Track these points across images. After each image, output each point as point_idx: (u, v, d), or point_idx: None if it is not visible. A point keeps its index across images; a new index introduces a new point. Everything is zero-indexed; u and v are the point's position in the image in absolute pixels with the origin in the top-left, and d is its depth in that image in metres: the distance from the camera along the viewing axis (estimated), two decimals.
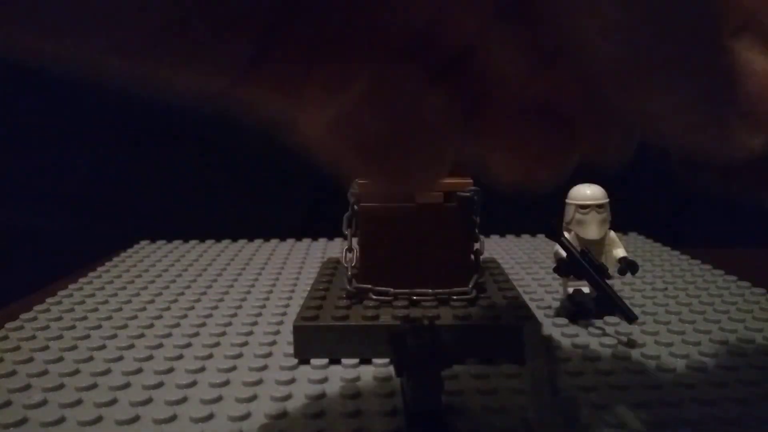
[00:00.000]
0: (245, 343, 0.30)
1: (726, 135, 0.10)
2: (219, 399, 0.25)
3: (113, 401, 0.24)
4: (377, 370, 0.27)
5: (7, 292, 0.39)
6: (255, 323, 0.33)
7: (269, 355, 0.29)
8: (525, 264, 0.47)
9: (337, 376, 0.27)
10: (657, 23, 0.09)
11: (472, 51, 0.11)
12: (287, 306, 0.36)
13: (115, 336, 0.32)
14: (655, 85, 0.09)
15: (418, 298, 0.31)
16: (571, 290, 0.33)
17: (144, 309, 0.36)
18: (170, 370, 0.27)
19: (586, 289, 0.33)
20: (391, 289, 0.31)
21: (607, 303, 0.31)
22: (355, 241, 0.32)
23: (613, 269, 0.32)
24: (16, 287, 0.40)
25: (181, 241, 0.55)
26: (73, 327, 0.33)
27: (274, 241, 0.56)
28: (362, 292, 0.31)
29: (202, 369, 0.27)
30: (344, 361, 0.28)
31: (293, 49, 0.10)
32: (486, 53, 0.11)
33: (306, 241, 0.56)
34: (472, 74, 0.11)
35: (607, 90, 0.10)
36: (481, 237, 0.32)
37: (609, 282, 0.31)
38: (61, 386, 0.26)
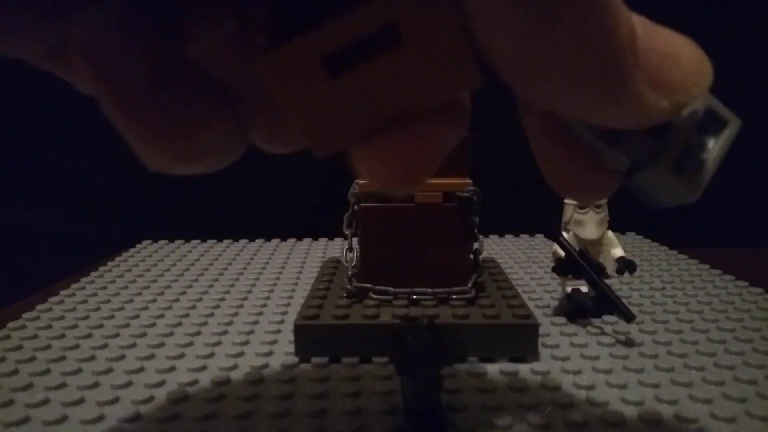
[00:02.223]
0: (246, 342, 0.31)
1: (630, 101, 0.10)
2: (221, 397, 0.25)
3: (115, 399, 0.25)
4: (377, 368, 0.27)
5: (10, 291, 0.39)
6: (256, 322, 0.34)
7: (270, 353, 0.29)
8: (524, 263, 0.47)
9: (337, 374, 0.27)
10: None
11: None
12: (288, 305, 0.37)
13: (117, 335, 0.32)
14: (557, 57, 0.09)
15: (418, 297, 0.31)
16: (569, 289, 0.34)
17: (146, 308, 0.36)
18: (172, 369, 0.28)
19: (584, 289, 0.33)
20: (391, 289, 0.31)
21: (605, 302, 0.31)
22: (355, 240, 0.32)
23: (611, 269, 0.33)
24: (18, 286, 0.40)
25: (182, 241, 0.56)
26: (75, 326, 0.33)
27: (275, 241, 0.56)
28: (362, 291, 0.31)
29: (204, 368, 0.28)
30: (345, 359, 0.28)
31: None
32: None
33: (307, 241, 0.56)
34: None
35: (501, 66, 0.09)
36: (480, 237, 0.32)
37: (607, 281, 0.31)
38: (63, 385, 0.26)
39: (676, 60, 0.10)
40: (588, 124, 0.11)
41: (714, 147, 0.11)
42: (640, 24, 0.10)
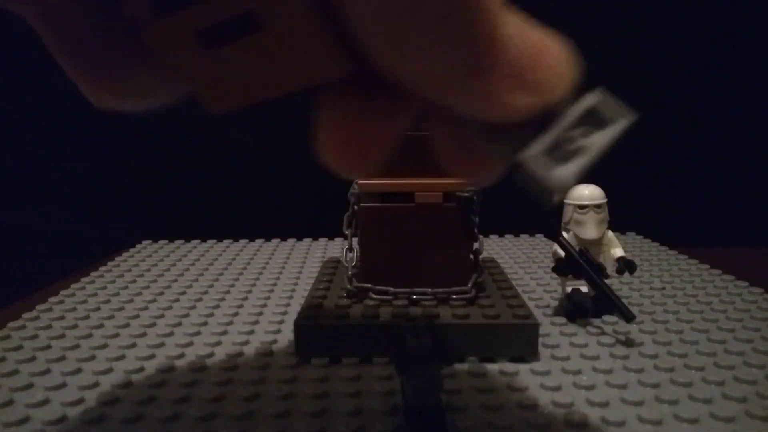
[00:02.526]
0: (247, 342, 0.31)
1: (492, 96, 0.10)
2: (221, 398, 0.25)
3: (115, 400, 0.25)
4: (377, 368, 0.27)
5: (10, 292, 0.39)
6: (256, 322, 0.34)
7: (270, 353, 0.29)
8: (524, 263, 0.47)
9: (337, 374, 0.27)
10: None
11: None
12: (288, 305, 0.37)
13: (117, 335, 0.32)
14: (420, 47, 0.09)
15: (418, 297, 0.31)
16: (569, 289, 0.34)
17: (146, 308, 0.36)
18: (172, 369, 0.28)
19: (584, 289, 0.33)
20: (391, 288, 0.31)
21: (605, 302, 0.31)
22: (355, 240, 0.32)
23: (611, 269, 0.33)
24: (18, 287, 0.40)
25: (182, 241, 0.56)
26: (75, 326, 0.33)
27: (275, 241, 0.56)
28: (362, 291, 0.31)
29: (204, 368, 0.28)
30: (345, 359, 0.28)
31: None
32: None
33: (307, 241, 0.56)
34: None
35: (371, 52, 0.10)
36: (480, 237, 0.32)
37: (607, 281, 0.31)
38: (63, 385, 0.26)
39: (542, 60, 0.10)
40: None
41: (596, 138, 0.12)
42: (514, 24, 0.10)
